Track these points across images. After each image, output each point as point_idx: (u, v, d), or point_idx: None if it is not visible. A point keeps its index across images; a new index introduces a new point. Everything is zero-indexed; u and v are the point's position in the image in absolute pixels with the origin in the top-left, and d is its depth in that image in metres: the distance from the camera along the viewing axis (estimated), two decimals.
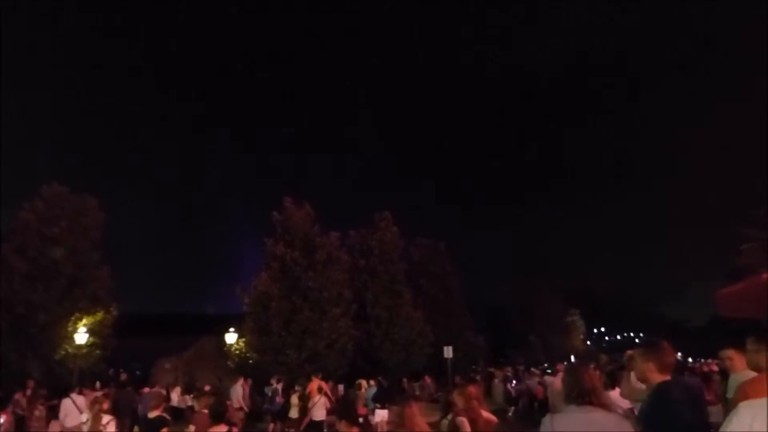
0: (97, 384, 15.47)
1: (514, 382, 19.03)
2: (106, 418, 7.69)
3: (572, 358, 38.88)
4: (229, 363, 21.28)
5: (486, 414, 4.89)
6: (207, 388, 16.81)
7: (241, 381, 15.17)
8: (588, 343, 53.42)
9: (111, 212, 22.71)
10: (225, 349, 21.65)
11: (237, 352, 21.15)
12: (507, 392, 17.32)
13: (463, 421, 4.57)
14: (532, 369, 22.11)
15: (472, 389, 5.02)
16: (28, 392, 13.26)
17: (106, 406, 7.93)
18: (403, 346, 24.36)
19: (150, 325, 31.62)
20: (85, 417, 9.25)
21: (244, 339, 21.15)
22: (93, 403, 8.08)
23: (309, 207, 23.55)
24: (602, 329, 70.75)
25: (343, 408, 4.35)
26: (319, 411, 12.72)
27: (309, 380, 13.36)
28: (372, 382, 15.98)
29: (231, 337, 21.27)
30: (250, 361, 20.49)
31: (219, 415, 5.23)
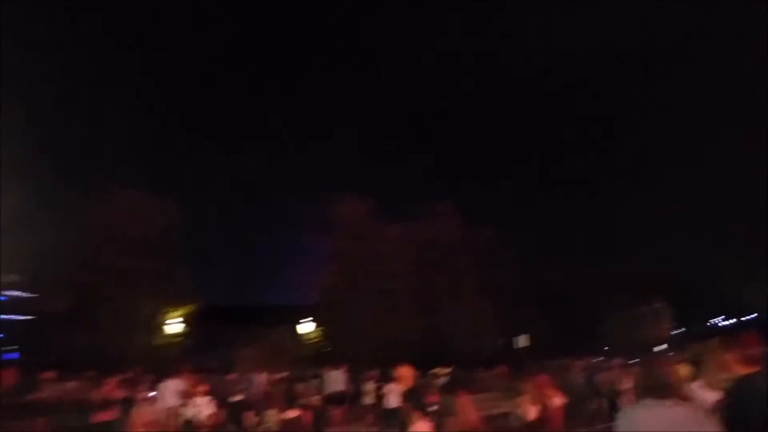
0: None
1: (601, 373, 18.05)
2: (202, 400, 8.53)
3: (656, 349, 36.75)
4: (305, 352, 22.34)
5: (557, 401, 4.90)
6: (284, 375, 17.79)
7: (344, 368, 15.53)
8: (674, 332, 50.03)
9: (186, 212, 24.47)
10: (301, 338, 22.78)
11: (313, 341, 22.14)
12: (594, 384, 16.54)
13: (530, 409, 4.62)
14: (615, 360, 21.16)
15: (541, 378, 5.07)
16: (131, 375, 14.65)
17: (203, 390, 8.70)
18: (471, 337, 24.28)
19: (232, 316, 33.70)
20: (182, 400, 10.27)
21: (320, 329, 22.08)
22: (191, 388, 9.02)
23: (370, 201, 24.06)
24: (691, 318, 65.73)
25: (411, 396, 4.56)
26: (393, 398, 13.11)
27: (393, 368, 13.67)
28: (445, 371, 16.13)
29: (306, 327, 22.29)
30: (328, 349, 21.37)
31: (290, 400, 5.67)
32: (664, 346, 38.63)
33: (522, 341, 22.89)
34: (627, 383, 13.42)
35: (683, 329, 57.39)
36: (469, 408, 4.29)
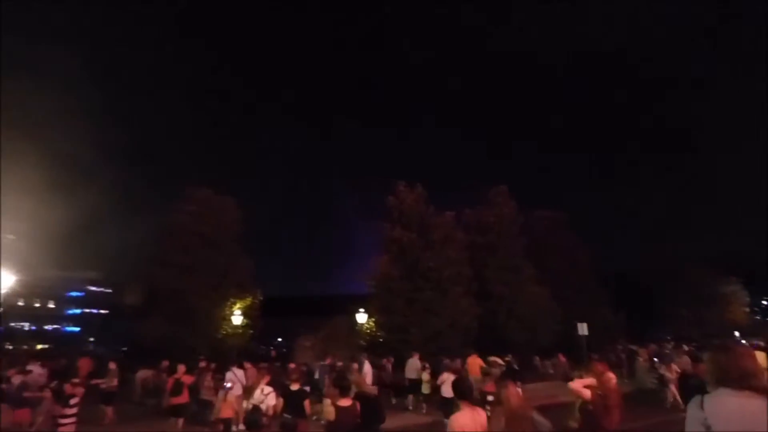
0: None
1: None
2: (267, 389, 8.86)
3: (736, 334, 34.27)
4: (360, 341, 22.62)
5: (613, 385, 4.67)
6: (339, 364, 18.10)
7: (417, 355, 15.57)
8: (758, 317, 46.35)
9: (246, 208, 25.47)
10: (356, 328, 23.10)
11: (367, 331, 22.38)
12: (663, 371, 15.61)
13: (587, 397, 4.44)
14: (684, 346, 19.88)
15: (598, 365, 4.95)
16: (202, 365, 15.46)
17: (267, 379, 9.04)
18: (528, 324, 23.62)
19: (288, 307, 34.89)
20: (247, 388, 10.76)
21: (373, 319, 22.26)
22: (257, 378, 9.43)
23: (421, 189, 23.83)
24: None
25: (459, 387, 4.54)
26: (449, 388, 13.07)
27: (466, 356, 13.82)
28: (501, 360, 15.78)
29: (361, 317, 22.56)
30: (380, 340, 21.53)
31: (343, 389, 5.73)
32: (750, 329, 35.89)
33: (583, 329, 21.98)
34: (700, 371, 12.58)
35: (759, 316, 52.96)
36: (515, 397, 4.31)
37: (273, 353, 24.80)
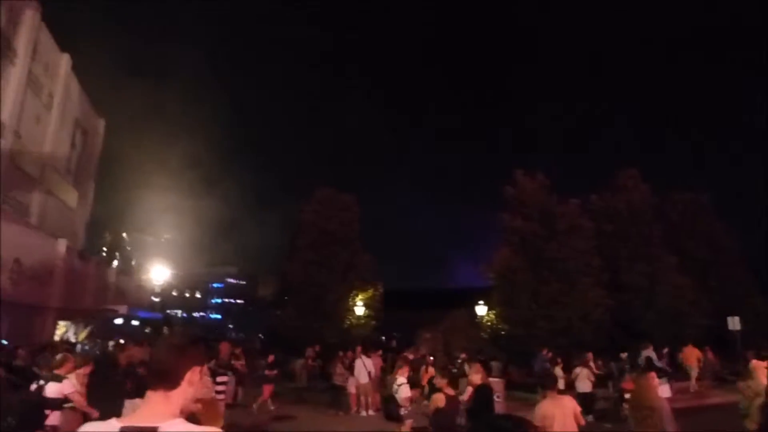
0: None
1: None
2: (400, 380, 9.28)
3: None
4: (482, 334, 22.43)
5: None
6: (463, 356, 18.13)
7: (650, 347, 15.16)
8: None
9: (366, 206, 26.63)
10: (476, 320, 22.92)
11: (489, 323, 22.10)
12: None
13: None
14: None
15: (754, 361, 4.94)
16: (351, 353, 16.22)
17: (405, 371, 9.48)
18: (670, 317, 21.47)
19: (407, 300, 35.77)
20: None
21: (494, 311, 21.91)
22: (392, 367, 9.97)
23: (542, 176, 22.74)
24: None
25: (543, 380, 5.24)
26: (583, 383, 12.56)
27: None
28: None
29: (481, 310, 22.31)
30: (503, 333, 21.14)
31: (451, 379, 6.38)
32: None
33: (735, 323, 19.41)
34: None
35: None
36: (649, 390, 5.03)
37: (393, 343, 25.60)
